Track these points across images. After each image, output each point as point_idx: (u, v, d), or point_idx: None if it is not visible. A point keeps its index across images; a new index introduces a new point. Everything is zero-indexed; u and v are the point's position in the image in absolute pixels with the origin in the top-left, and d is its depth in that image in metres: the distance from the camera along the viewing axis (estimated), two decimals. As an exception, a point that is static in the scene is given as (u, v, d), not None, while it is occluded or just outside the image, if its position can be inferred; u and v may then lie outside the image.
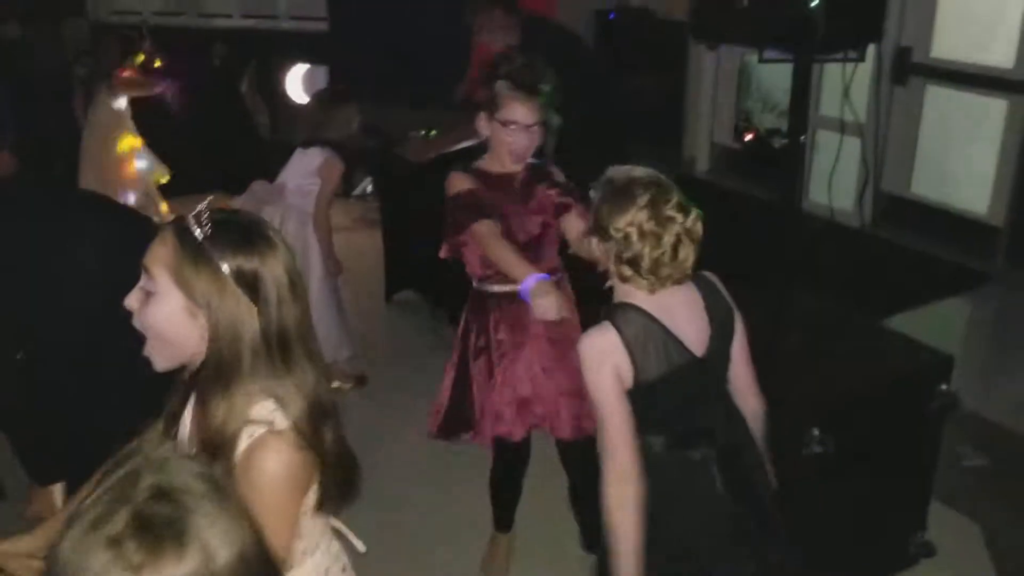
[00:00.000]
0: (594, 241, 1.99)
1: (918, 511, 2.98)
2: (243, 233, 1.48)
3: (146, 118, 5.65)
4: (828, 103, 5.27)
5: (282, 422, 1.44)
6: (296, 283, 1.51)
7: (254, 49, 6.94)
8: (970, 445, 3.55)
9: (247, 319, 1.46)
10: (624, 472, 1.89)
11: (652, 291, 1.93)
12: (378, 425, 3.79)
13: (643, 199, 1.90)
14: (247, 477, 1.40)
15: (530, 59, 2.64)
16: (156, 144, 5.70)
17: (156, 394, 1.62)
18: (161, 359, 1.52)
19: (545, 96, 2.59)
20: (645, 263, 1.91)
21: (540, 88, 2.58)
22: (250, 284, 1.46)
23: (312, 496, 1.52)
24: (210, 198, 1.55)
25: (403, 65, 6.27)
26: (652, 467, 1.94)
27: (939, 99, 5.35)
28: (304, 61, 6.91)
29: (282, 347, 1.48)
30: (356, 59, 5.96)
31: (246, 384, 1.46)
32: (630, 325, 1.92)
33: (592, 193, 2.02)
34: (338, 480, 1.54)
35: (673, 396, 1.98)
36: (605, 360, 1.91)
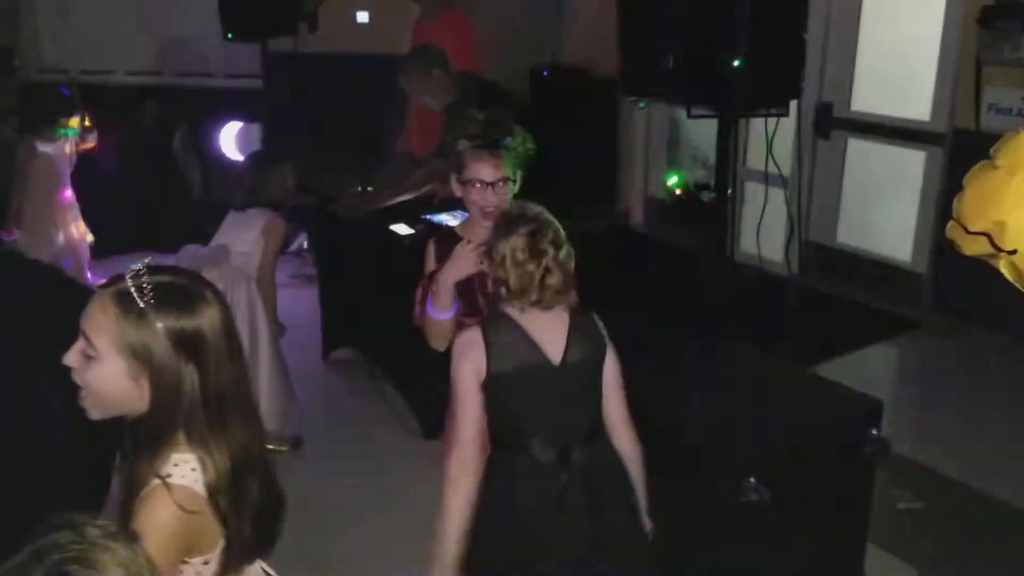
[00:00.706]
0: (486, 261, 2.21)
1: (855, 555, 3.01)
2: (183, 295, 1.51)
3: (75, 176, 5.55)
4: (756, 156, 5.41)
5: (185, 478, 1.49)
6: (233, 340, 1.55)
7: (186, 106, 6.90)
8: (904, 488, 3.62)
9: (188, 380, 1.49)
10: (465, 461, 2.11)
11: (520, 310, 2.14)
12: (313, 488, 3.73)
13: (524, 230, 2.12)
14: (134, 521, 1.45)
15: (492, 115, 2.65)
16: (86, 202, 5.60)
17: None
18: (96, 411, 1.55)
19: (509, 151, 2.59)
20: (513, 285, 2.11)
21: (502, 144, 2.59)
22: (191, 345, 1.49)
23: (206, 560, 1.53)
24: (148, 259, 1.57)
25: (338, 121, 6.29)
26: (500, 464, 2.15)
27: (860, 151, 5.55)
28: (238, 119, 6.89)
29: (219, 405, 1.52)
30: (291, 116, 5.96)
31: (178, 439, 1.51)
32: (494, 326, 2.15)
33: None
34: (260, 527, 1.58)
35: (523, 394, 2.15)
36: (466, 352, 2.13)
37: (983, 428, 4.11)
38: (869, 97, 5.47)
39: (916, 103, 5.19)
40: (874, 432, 2.82)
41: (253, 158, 4.19)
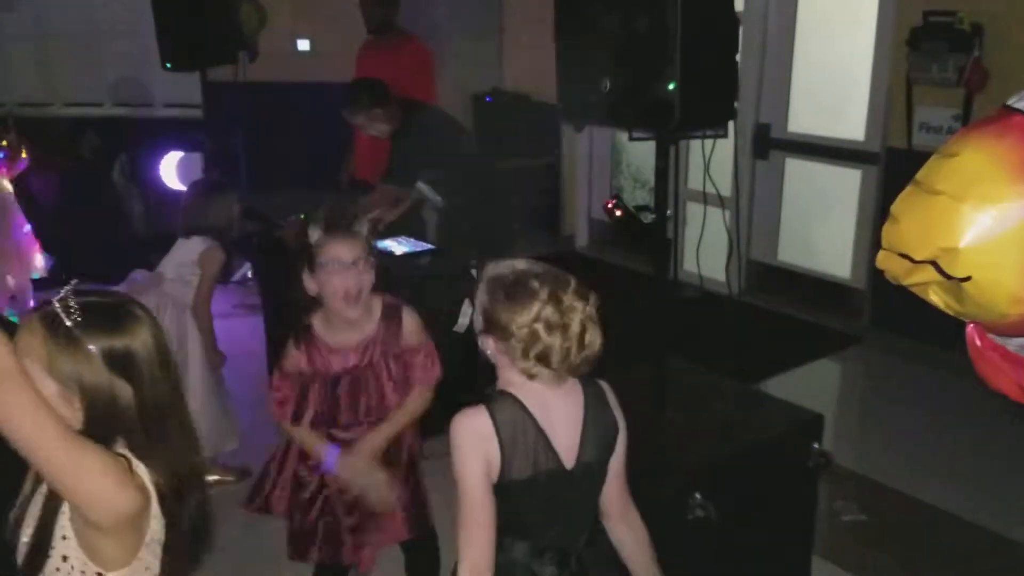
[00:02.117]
0: (489, 342, 1.90)
1: (801, 568, 3.06)
2: (111, 314, 1.51)
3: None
4: (695, 177, 5.49)
5: (144, 474, 1.50)
6: (165, 356, 1.56)
7: (126, 137, 6.83)
8: (848, 501, 3.68)
9: (122, 397, 1.49)
10: (478, 569, 1.80)
11: (528, 379, 1.87)
12: (260, 519, 3.67)
13: (543, 293, 1.84)
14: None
15: (346, 209, 2.61)
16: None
17: None
18: None
19: (361, 236, 2.52)
20: (556, 356, 1.83)
21: (355, 226, 2.52)
22: (122, 363, 1.49)
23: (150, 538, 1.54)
24: (74, 281, 1.56)
25: (280, 150, 6.27)
26: (504, 571, 1.87)
27: (798, 171, 5.67)
28: (178, 148, 6.83)
29: (158, 418, 1.53)
30: (232, 146, 5.92)
31: (118, 447, 1.51)
32: (503, 412, 1.85)
33: (478, 295, 1.94)
34: (190, 542, 1.61)
35: (534, 503, 1.90)
36: (477, 445, 1.82)
37: (924, 440, 4.20)
38: (805, 118, 5.59)
39: (850, 123, 5.33)
40: (816, 446, 2.88)
41: (196, 186, 4.16)
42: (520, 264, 1.92)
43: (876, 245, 4.90)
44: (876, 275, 5.08)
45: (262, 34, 6.05)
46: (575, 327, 1.84)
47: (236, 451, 4.03)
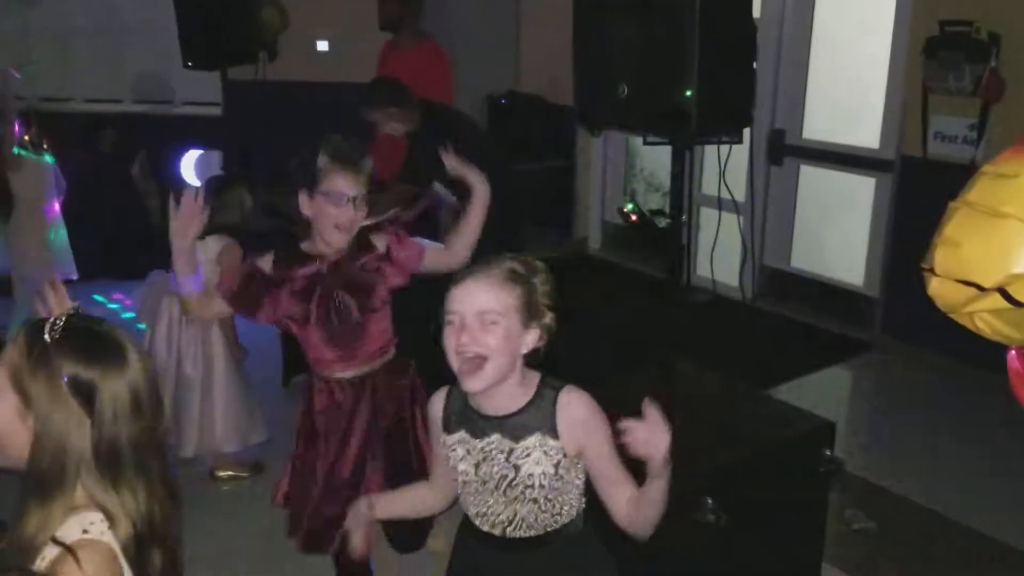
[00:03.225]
0: (532, 328, 1.91)
1: (811, 574, 3.07)
2: (90, 343, 1.45)
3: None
4: (710, 182, 5.51)
5: (102, 535, 1.41)
6: (141, 402, 1.47)
7: (146, 134, 6.88)
8: (858, 509, 3.69)
9: (76, 430, 1.42)
10: None
11: None
12: (276, 513, 3.71)
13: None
14: None
15: (349, 138, 2.67)
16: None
17: None
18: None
19: (366, 171, 2.60)
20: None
21: (361, 163, 2.60)
22: (85, 395, 1.42)
23: None
24: (76, 303, 1.53)
25: (299, 149, 6.30)
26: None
27: (812, 177, 5.67)
28: (197, 146, 6.88)
29: (111, 464, 1.44)
30: (250, 143, 5.97)
31: (68, 496, 1.43)
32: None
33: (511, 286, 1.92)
34: None
35: None
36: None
37: (934, 448, 4.20)
38: (820, 125, 5.60)
39: (865, 131, 5.33)
40: (827, 452, 2.89)
41: (208, 184, 4.21)
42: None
43: (890, 253, 4.89)
44: (889, 283, 5.12)
45: (282, 34, 6.10)
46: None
47: (250, 443, 4.07)
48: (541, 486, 1.90)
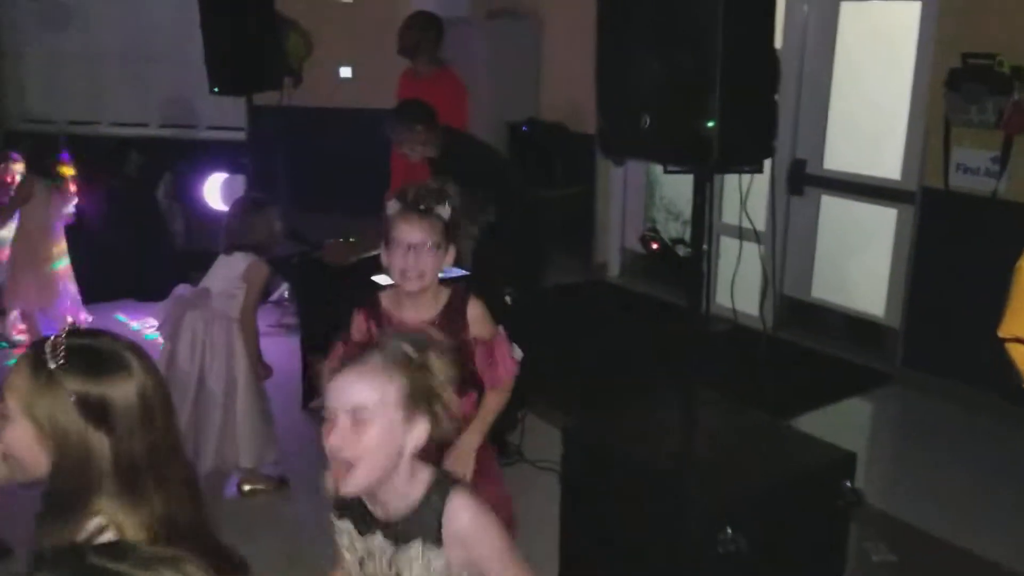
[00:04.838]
0: (420, 420, 1.75)
1: (830, 608, 3.05)
2: (94, 361, 1.47)
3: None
4: (730, 211, 5.51)
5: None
6: (152, 410, 1.49)
7: (171, 157, 6.97)
8: (878, 541, 3.66)
9: (95, 447, 1.44)
10: None
11: None
12: (299, 528, 3.75)
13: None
14: None
15: (433, 184, 2.63)
16: (68, 249, 5.64)
17: None
18: (19, 475, 1.52)
19: (440, 220, 2.56)
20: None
21: (432, 209, 2.55)
22: (97, 412, 1.44)
23: None
24: (69, 320, 1.57)
25: (322, 174, 6.37)
26: None
27: (834, 208, 5.67)
28: (222, 170, 6.95)
29: (131, 475, 1.46)
30: (274, 168, 6.03)
31: (89, 512, 1.44)
32: None
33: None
34: None
35: None
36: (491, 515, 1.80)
37: (955, 481, 4.16)
38: (841, 155, 5.60)
39: (887, 162, 5.33)
40: (848, 484, 2.88)
41: (239, 204, 4.27)
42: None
43: (911, 284, 4.88)
44: (910, 314, 5.09)
45: (306, 60, 6.17)
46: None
47: (267, 461, 4.11)
48: None
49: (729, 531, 2.56)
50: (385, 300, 2.68)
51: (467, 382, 2.60)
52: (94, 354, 1.48)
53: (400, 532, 1.74)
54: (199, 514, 1.55)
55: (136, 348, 1.54)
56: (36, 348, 1.49)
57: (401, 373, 1.68)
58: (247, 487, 4.08)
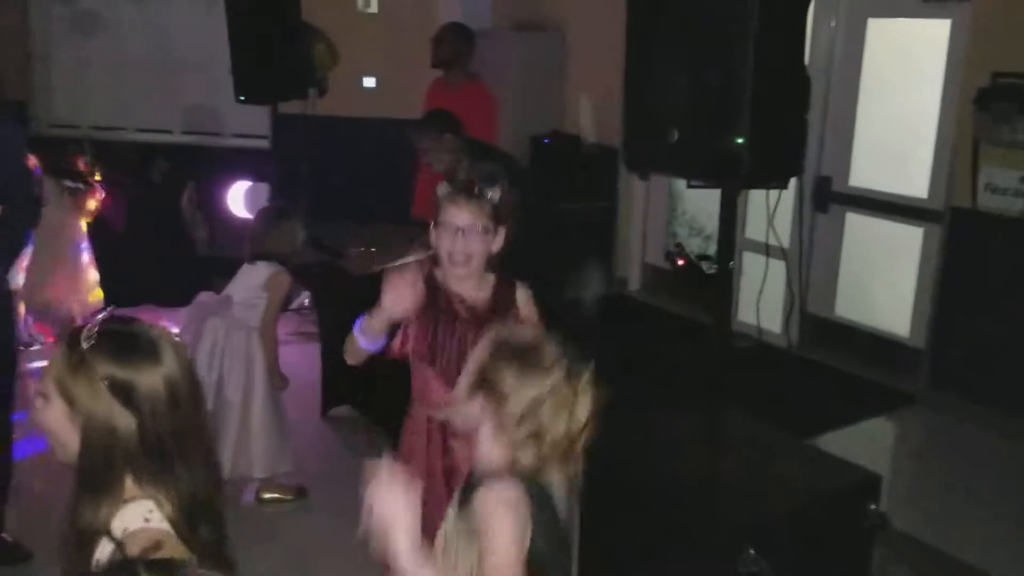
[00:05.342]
0: (478, 398, 1.80)
1: (852, 631, 3.00)
2: (123, 344, 1.53)
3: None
4: (754, 226, 5.48)
5: (162, 521, 1.50)
6: (179, 393, 1.55)
7: (195, 165, 7.00)
8: (901, 565, 3.61)
9: (122, 427, 1.50)
10: None
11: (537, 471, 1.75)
12: (316, 538, 3.74)
13: (559, 366, 1.76)
14: None
15: (482, 167, 2.65)
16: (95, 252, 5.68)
17: None
18: (60, 454, 1.57)
19: (489, 202, 2.53)
20: (555, 440, 1.74)
21: (482, 190, 2.53)
22: (125, 394, 1.50)
23: None
24: (110, 308, 1.64)
25: (345, 183, 6.38)
26: None
27: (859, 226, 5.61)
28: (246, 178, 6.99)
29: (158, 456, 1.52)
30: (298, 177, 6.05)
31: (117, 491, 1.51)
32: (525, 488, 1.75)
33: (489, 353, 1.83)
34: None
35: None
36: (519, 514, 1.72)
37: (981, 505, 4.10)
38: (867, 173, 5.55)
39: (914, 180, 5.28)
40: (872, 507, 2.84)
41: (263, 213, 4.29)
42: (536, 333, 1.87)
43: (937, 304, 4.83)
44: (936, 334, 5.03)
45: (332, 71, 6.20)
46: (581, 416, 1.74)
47: (280, 470, 4.10)
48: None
49: (751, 552, 2.53)
50: (437, 273, 2.64)
51: None
52: (125, 338, 1.54)
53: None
54: (217, 495, 1.62)
55: (168, 337, 1.60)
56: (75, 331, 1.55)
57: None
58: (265, 495, 4.08)
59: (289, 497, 4.10)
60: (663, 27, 2.63)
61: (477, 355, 1.84)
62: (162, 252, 6.36)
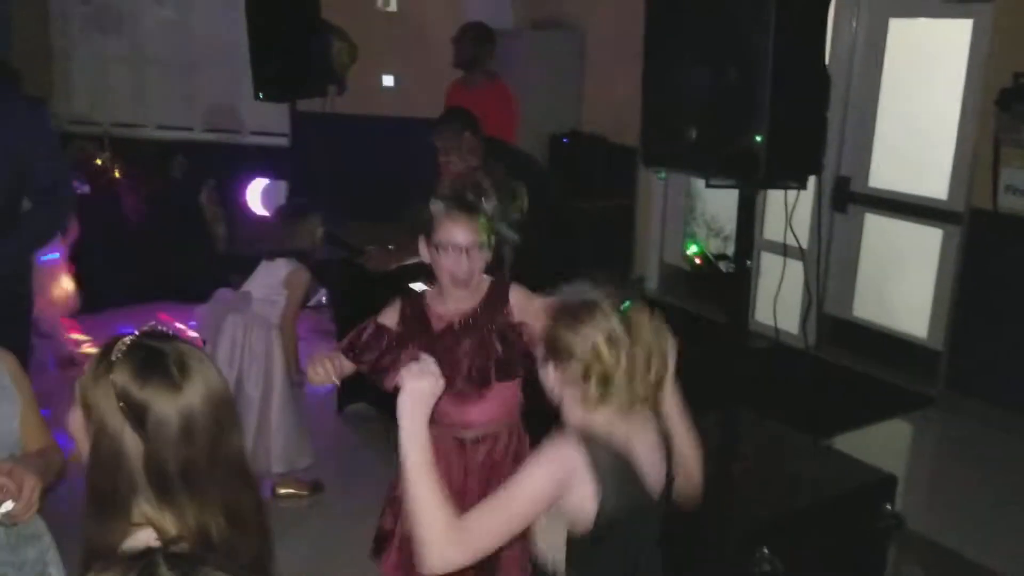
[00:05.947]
0: (549, 369, 1.79)
1: (867, 633, 2.99)
2: (148, 363, 1.46)
3: (104, 226, 5.68)
4: (772, 227, 5.46)
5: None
6: (192, 428, 1.46)
7: (214, 162, 7.05)
8: (917, 566, 3.59)
9: (128, 446, 1.44)
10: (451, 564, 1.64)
11: (622, 415, 1.73)
12: (332, 533, 3.76)
13: (607, 305, 1.74)
14: None
15: (476, 180, 2.58)
16: (111, 250, 5.72)
17: None
18: (82, 459, 1.53)
19: (485, 217, 2.49)
20: (617, 381, 1.71)
21: (479, 208, 2.49)
22: (137, 416, 1.44)
23: None
24: (152, 323, 1.58)
25: (363, 181, 6.41)
26: None
27: (877, 226, 5.59)
28: (264, 175, 7.02)
29: (160, 484, 1.45)
30: (316, 175, 6.08)
31: (124, 512, 1.45)
32: (596, 450, 1.70)
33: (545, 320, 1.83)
34: None
35: (622, 543, 1.78)
36: (559, 470, 1.68)
37: (997, 507, 4.08)
38: (886, 173, 5.53)
39: (933, 181, 5.25)
40: (888, 507, 2.83)
41: (282, 210, 4.32)
42: (591, 291, 1.81)
43: (956, 306, 4.80)
44: (954, 336, 5.00)
45: (351, 69, 6.22)
46: (641, 350, 1.73)
47: (298, 465, 4.13)
48: None
49: (766, 551, 2.52)
50: (428, 295, 2.64)
51: (513, 364, 2.53)
52: (153, 357, 1.46)
53: None
54: (242, 544, 1.50)
55: (203, 364, 1.51)
56: (113, 340, 1.50)
57: None
58: (282, 490, 4.10)
59: (305, 492, 4.13)
60: (683, 25, 2.63)
61: (538, 329, 1.86)
62: (181, 249, 6.41)
